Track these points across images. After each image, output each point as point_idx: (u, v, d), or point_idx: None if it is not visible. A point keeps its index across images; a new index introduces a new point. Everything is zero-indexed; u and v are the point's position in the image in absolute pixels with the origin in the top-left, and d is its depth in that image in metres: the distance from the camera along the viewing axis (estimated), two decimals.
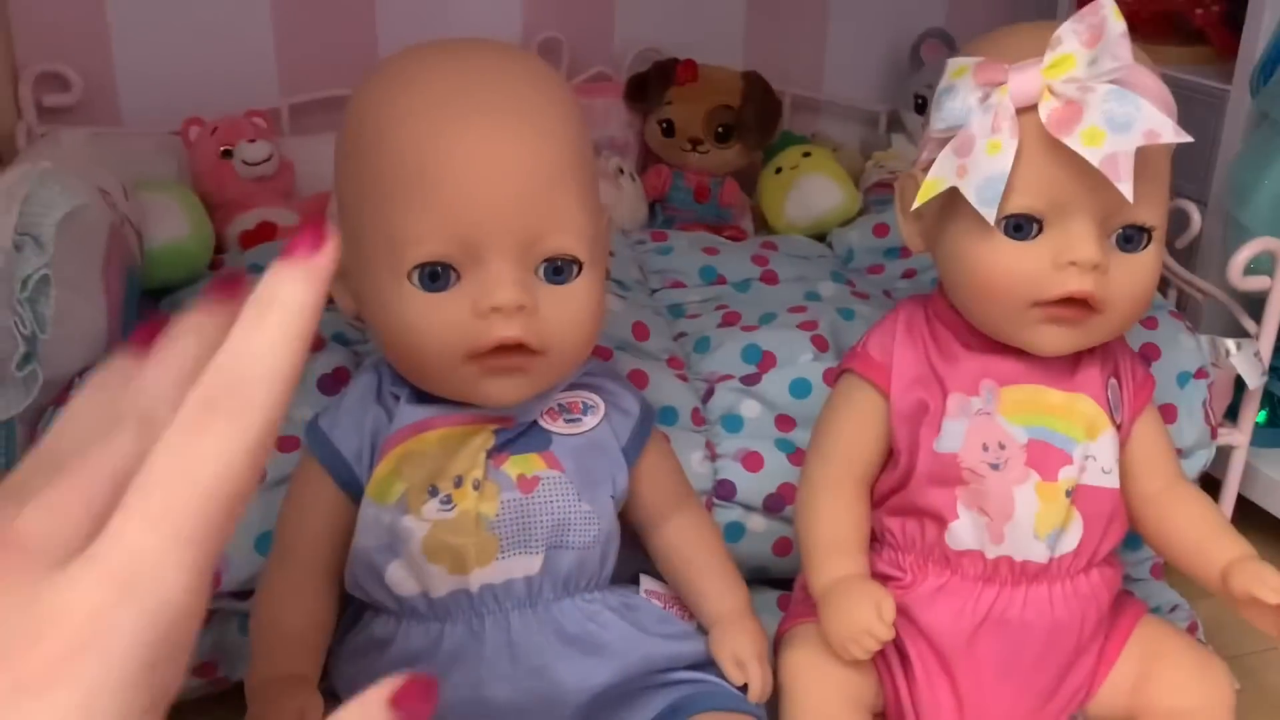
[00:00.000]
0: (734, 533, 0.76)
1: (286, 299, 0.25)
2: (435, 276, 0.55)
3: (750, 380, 0.80)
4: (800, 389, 0.79)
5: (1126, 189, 0.57)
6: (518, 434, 0.60)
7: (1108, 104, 0.57)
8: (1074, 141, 0.57)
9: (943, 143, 0.62)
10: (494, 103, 0.55)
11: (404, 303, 0.55)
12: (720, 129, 1.10)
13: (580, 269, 0.57)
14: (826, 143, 1.20)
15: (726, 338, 0.83)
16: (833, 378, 0.72)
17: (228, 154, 0.96)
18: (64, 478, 0.25)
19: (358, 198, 0.57)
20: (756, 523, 0.77)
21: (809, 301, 0.88)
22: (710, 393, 0.80)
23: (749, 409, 0.79)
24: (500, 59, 0.58)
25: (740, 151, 1.12)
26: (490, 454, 0.59)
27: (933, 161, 0.62)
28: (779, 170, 1.11)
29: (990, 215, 0.59)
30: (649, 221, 1.11)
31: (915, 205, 0.63)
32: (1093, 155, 0.57)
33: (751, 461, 0.76)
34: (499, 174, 0.54)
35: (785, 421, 0.78)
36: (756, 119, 1.11)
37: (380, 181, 0.55)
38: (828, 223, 1.08)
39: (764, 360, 0.81)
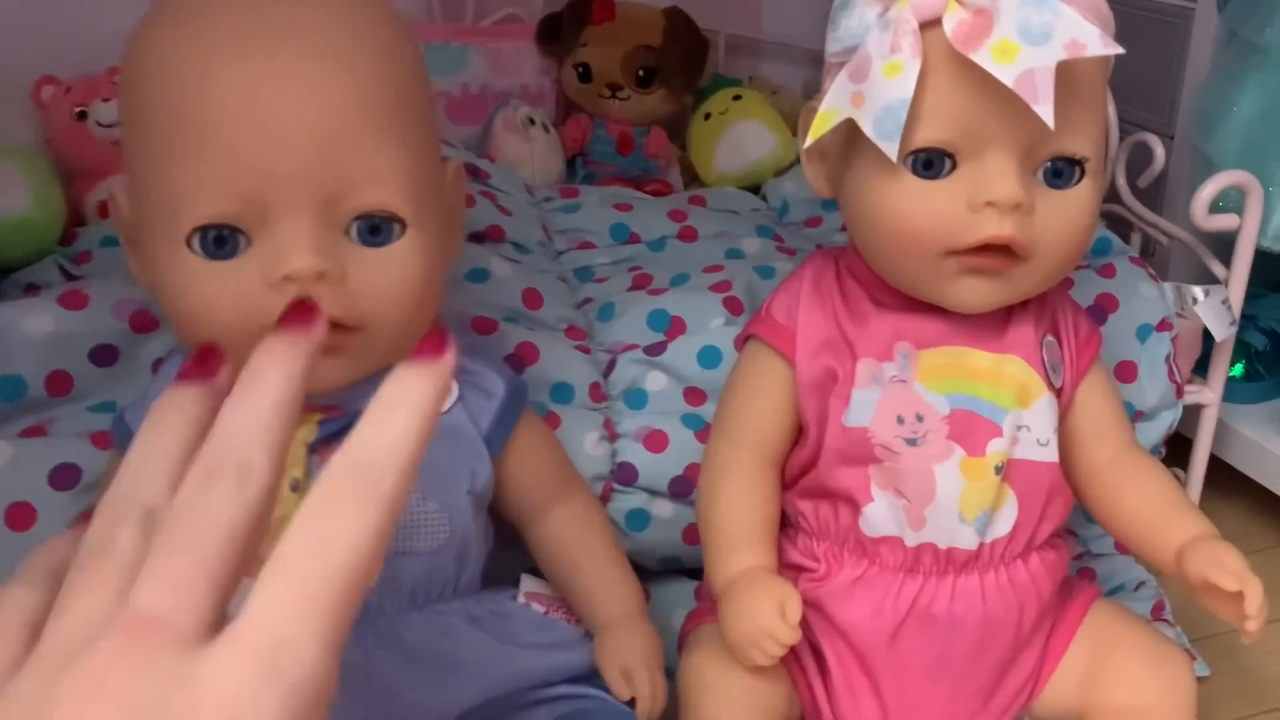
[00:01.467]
0: (638, 520, 0.68)
1: (413, 397, 0.28)
2: (221, 242, 0.46)
3: (656, 350, 0.72)
4: (710, 358, 0.71)
5: (1046, 112, 0.48)
6: (345, 424, 0.52)
7: (1022, 11, 0.48)
8: (983, 58, 0.49)
9: (840, 68, 0.54)
10: (278, 31, 0.46)
11: (184, 272, 0.47)
12: (641, 72, 1.01)
13: (404, 228, 0.49)
14: (764, 85, 1.11)
15: (633, 303, 0.75)
16: (740, 344, 0.64)
17: (83, 115, 0.87)
18: (175, 546, 0.26)
19: (134, 154, 0.49)
20: (663, 508, 0.69)
21: (728, 260, 0.80)
22: (612, 365, 0.72)
23: (654, 382, 0.71)
24: None
25: (664, 97, 1.03)
26: (313, 448, 0.52)
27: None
28: (708, 116, 1.02)
29: (891, 150, 0.51)
30: (568, 177, 1.02)
31: (808, 142, 0.54)
32: (1005, 73, 0.48)
33: (655, 441, 0.68)
34: (283, 113, 0.45)
35: (694, 394, 0.70)
36: (680, 60, 1.02)
37: (152, 133, 0.47)
38: (761, 173, 1.00)
39: (672, 327, 0.73)
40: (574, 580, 0.59)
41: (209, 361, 0.30)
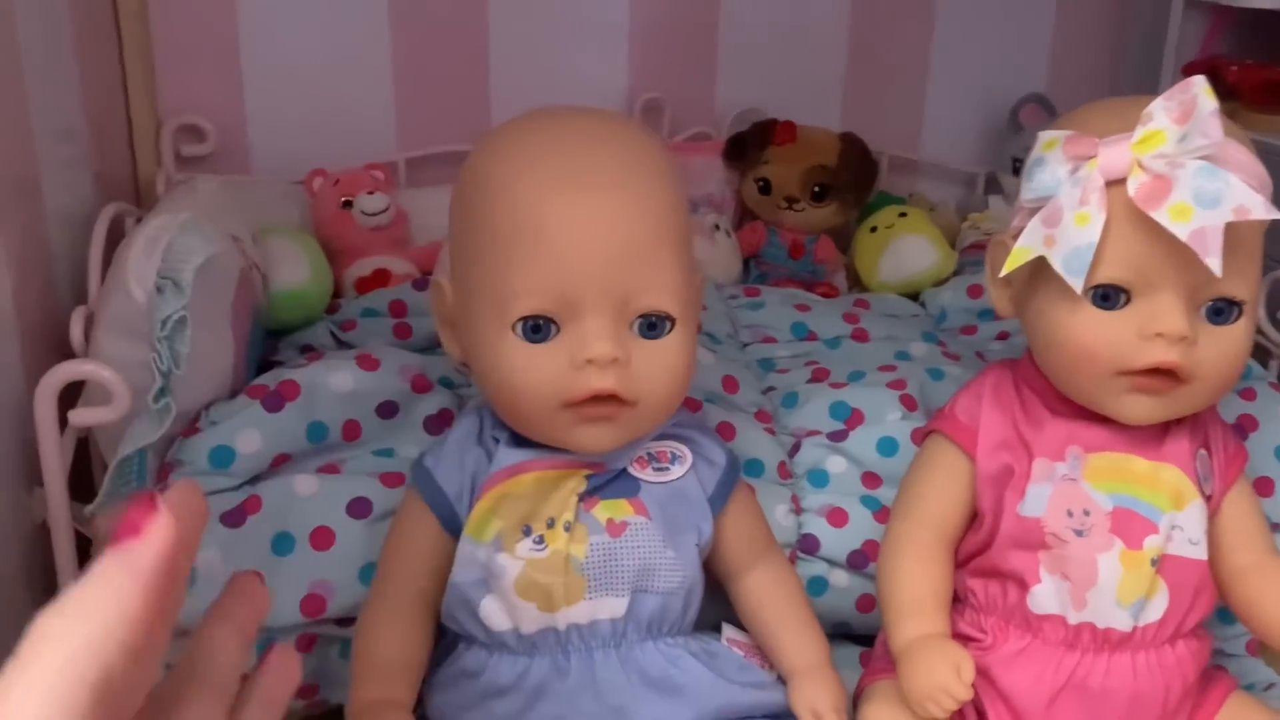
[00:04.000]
0: (817, 587, 0.77)
1: (103, 603, 0.27)
2: (537, 329, 0.58)
3: (837, 436, 0.81)
4: (887, 447, 0.80)
5: (1214, 264, 0.57)
6: (608, 480, 0.63)
7: (1197, 180, 0.58)
8: (1162, 216, 0.58)
9: (1033, 212, 0.64)
10: (594, 168, 0.59)
11: (507, 352, 0.58)
12: (816, 188, 1.13)
13: (672, 325, 0.60)
14: (923, 203, 1.22)
15: (815, 393, 0.84)
16: (920, 437, 0.74)
17: (348, 204, 1.02)
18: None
19: (468, 253, 0.61)
20: (839, 578, 0.78)
21: (899, 360, 0.90)
22: (797, 447, 0.82)
23: (835, 465, 0.80)
24: (601, 126, 0.62)
25: (836, 210, 1.14)
26: (582, 498, 0.62)
27: (1022, 230, 0.64)
28: (874, 229, 1.13)
29: (1077, 285, 0.60)
30: (743, 277, 1.14)
31: (1003, 272, 0.64)
32: (1181, 230, 0.57)
33: (836, 517, 0.78)
34: (598, 235, 0.57)
35: (871, 479, 0.79)
36: (853, 179, 1.13)
37: (490, 240, 0.59)
38: (921, 282, 1.09)
39: (852, 417, 0.82)
40: (770, 629, 0.68)
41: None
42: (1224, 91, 1.09)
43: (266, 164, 1.11)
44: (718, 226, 1.10)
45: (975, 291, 1.02)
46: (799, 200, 1.13)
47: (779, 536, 0.75)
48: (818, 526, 0.77)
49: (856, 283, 1.15)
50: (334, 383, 0.74)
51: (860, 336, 0.95)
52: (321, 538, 0.69)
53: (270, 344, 0.90)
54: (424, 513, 0.64)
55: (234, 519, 0.68)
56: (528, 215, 0.58)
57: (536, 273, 0.57)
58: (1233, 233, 0.58)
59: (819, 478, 0.80)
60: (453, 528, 0.63)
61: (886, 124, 1.25)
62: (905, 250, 1.09)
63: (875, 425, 0.81)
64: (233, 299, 0.73)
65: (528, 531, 0.61)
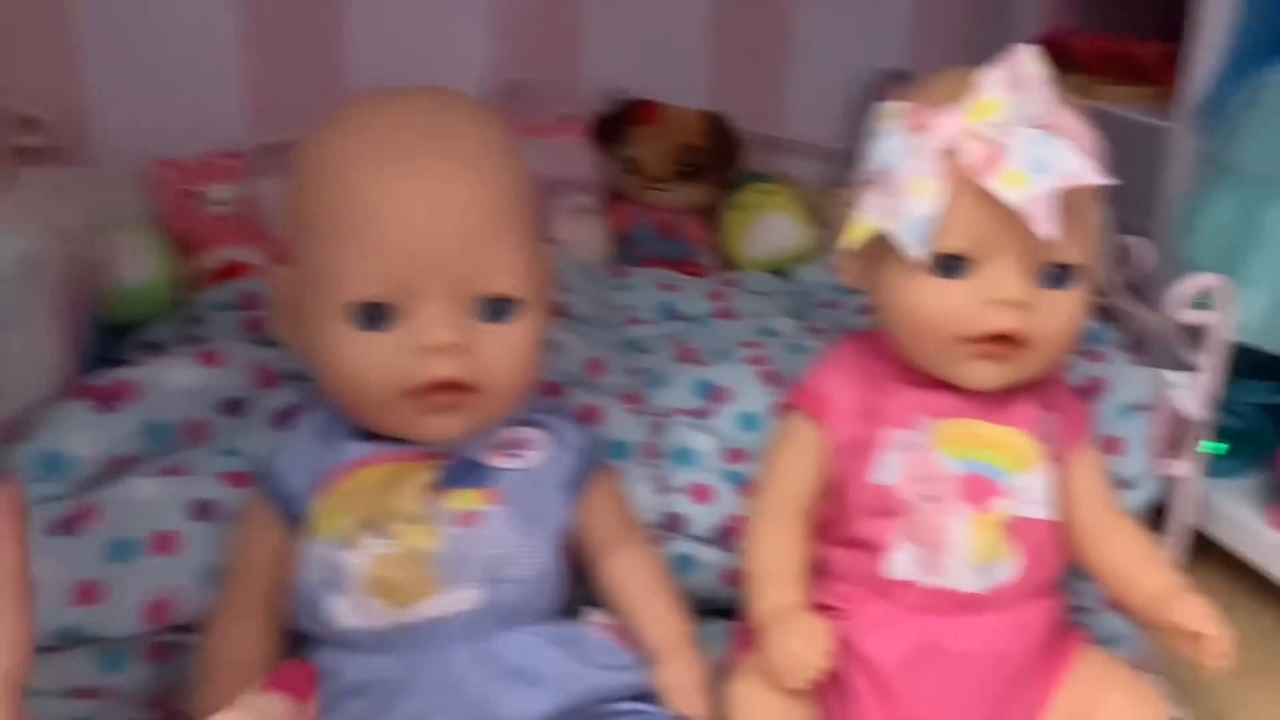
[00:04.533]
0: (684, 565, 0.77)
1: None
2: (374, 317, 0.56)
3: (702, 414, 0.81)
4: (750, 423, 0.80)
5: (1047, 230, 0.58)
6: (459, 470, 0.62)
7: (1029, 148, 0.59)
8: (995, 184, 0.59)
9: (874, 184, 0.64)
10: (430, 148, 0.57)
11: (342, 341, 0.57)
12: (683, 168, 1.13)
13: (518, 308, 0.59)
14: (788, 181, 1.23)
15: (681, 373, 0.84)
16: (780, 412, 0.74)
17: (194, 194, 0.98)
18: None
19: (302, 240, 0.59)
20: (706, 554, 0.78)
21: (763, 337, 0.90)
22: (663, 427, 0.81)
23: (700, 443, 0.80)
24: (438, 105, 0.60)
25: (703, 189, 1.14)
26: (431, 489, 0.61)
27: (865, 202, 0.64)
28: (740, 208, 1.13)
29: (918, 255, 0.61)
30: (612, 258, 1.13)
31: (848, 244, 0.65)
32: (1014, 198, 0.59)
33: (702, 494, 0.78)
34: (434, 217, 0.56)
35: (735, 455, 0.80)
36: (719, 158, 1.13)
37: (323, 225, 0.57)
38: (788, 259, 1.10)
39: (716, 395, 0.82)
40: (634, 611, 0.67)
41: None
42: (1072, 63, 1.13)
43: (109, 154, 1.05)
44: (585, 207, 1.09)
45: None
46: (666, 180, 1.13)
47: (646, 516, 0.75)
48: (684, 505, 0.77)
49: (725, 262, 1.15)
50: (174, 380, 0.71)
51: (727, 314, 0.95)
52: (163, 543, 0.66)
53: (113, 343, 0.86)
54: (269, 511, 0.62)
55: (68, 528, 0.64)
56: (360, 197, 0.56)
57: (371, 257, 0.56)
58: (1066, 199, 0.60)
59: (685, 456, 0.80)
60: (298, 526, 0.61)
61: (752, 102, 1.25)
62: (772, 228, 1.10)
63: (738, 402, 0.81)
64: (56, 297, 0.70)
65: (375, 527, 0.59)
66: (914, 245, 0.61)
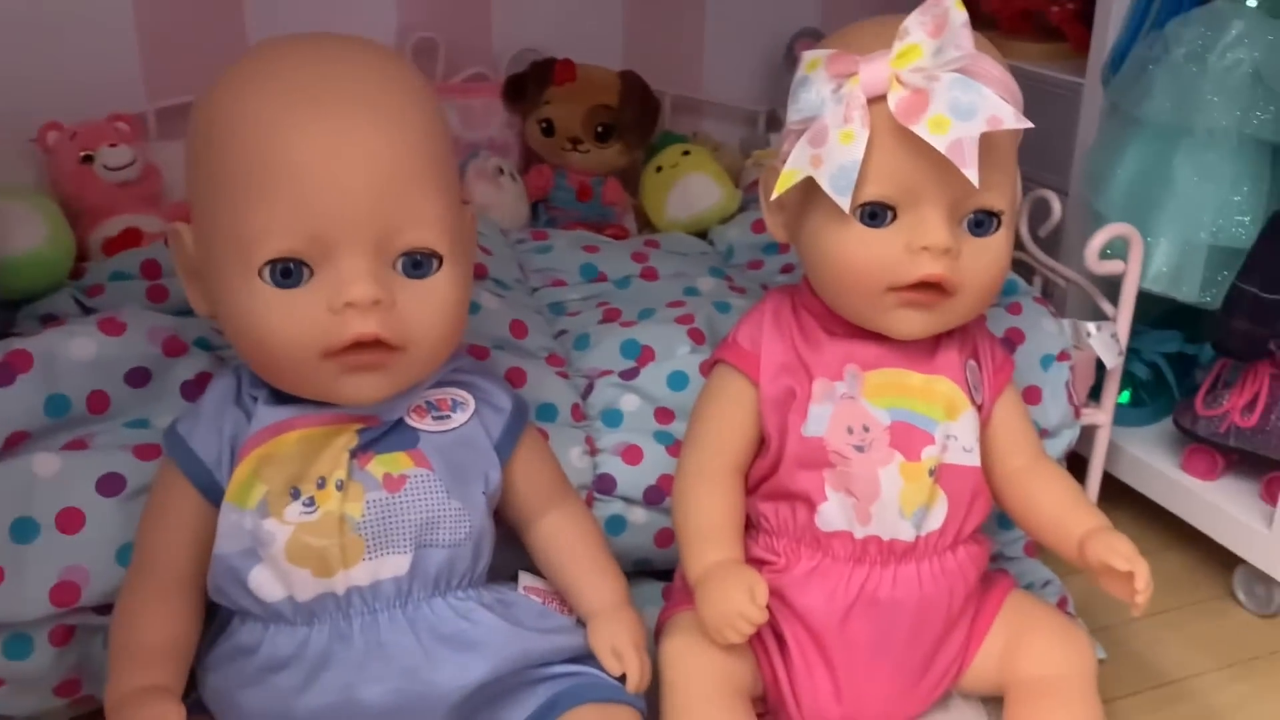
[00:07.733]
0: (615, 526, 0.77)
1: None
2: (287, 273, 0.54)
3: (629, 375, 0.80)
4: (678, 381, 0.80)
5: (972, 174, 0.58)
6: (383, 433, 0.60)
7: (952, 92, 0.59)
8: (921, 129, 0.59)
9: (800, 134, 0.64)
10: (342, 95, 0.54)
11: (255, 300, 0.54)
12: (600, 128, 1.11)
13: (440, 263, 0.57)
14: (707, 142, 1.22)
15: (606, 334, 0.83)
16: (707, 369, 0.73)
17: (89, 159, 0.93)
18: None
19: (207, 196, 0.56)
20: (637, 515, 0.77)
21: (687, 296, 0.89)
22: (590, 388, 0.80)
23: (628, 403, 0.79)
24: (350, 52, 0.57)
25: (621, 150, 1.13)
26: (354, 454, 0.59)
27: (790, 152, 0.63)
28: (659, 169, 1.12)
29: (845, 204, 0.61)
30: (531, 221, 1.11)
31: (774, 196, 0.64)
32: (939, 142, 0.59)
33: (631, 455, 0.77)
34: (347, 166, 0.53)
35: (664, 414, 0.79)
36: (635, 118, 1.11)
37: (228, 178, 0.54)
38: (708, 220, 1.09)
39: (642, 355, 0.81)
40: (567, 573, 0.66)
41: None
42: (984, 20, 1.14)
43: None
44: (501, 170, 1.07)
45: (759, 227, 1.03)
46: (583, 141, 1.11)
47: (575, 479, 0.74)
48: (613, 465, 0.77)
49: (646, 223, 1.14)
50: (74, 351, 0.67)
51: (649, 275, 0.94)
52: (69, 520, 0.63)
53: (7, 316, 0.81)
54: (181, 483, 0.59)
55: None
56: (267, 146, 0.53)
57: (281, 210, 0.53)
58: (988, 145, 0.60)
59: (613, 417, 0.79)
60: (214, 496, 0.58)
61: (668, 63, 1.24)
62: (691, 189, 1.09)
63: (665, 361, 0.80)
64: None
65: (296, 494, 0.57)
66: (842, 192, 0.60)
